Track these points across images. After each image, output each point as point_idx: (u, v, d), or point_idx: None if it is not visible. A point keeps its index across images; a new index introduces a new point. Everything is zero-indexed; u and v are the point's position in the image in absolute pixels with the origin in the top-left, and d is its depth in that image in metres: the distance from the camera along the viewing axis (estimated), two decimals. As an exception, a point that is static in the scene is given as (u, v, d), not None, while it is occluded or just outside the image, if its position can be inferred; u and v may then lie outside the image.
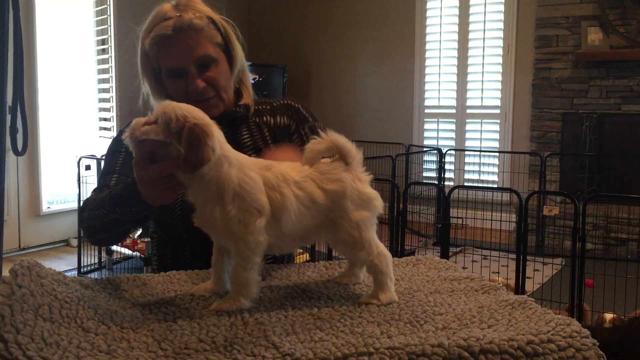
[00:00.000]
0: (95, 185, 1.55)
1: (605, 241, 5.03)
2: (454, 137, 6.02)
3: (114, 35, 5.38)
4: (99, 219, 1.32)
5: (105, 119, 5.55)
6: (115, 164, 1.49)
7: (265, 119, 1.60)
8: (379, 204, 1.16)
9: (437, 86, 6.08)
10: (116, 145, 1.54)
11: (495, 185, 5.74)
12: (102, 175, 1.51)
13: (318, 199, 1.10)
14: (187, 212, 1.14)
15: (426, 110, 6.14)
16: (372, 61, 6.39)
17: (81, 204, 1.46)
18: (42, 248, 5.09)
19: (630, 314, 2.92)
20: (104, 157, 1.59)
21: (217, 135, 1.06)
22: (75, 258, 4.59)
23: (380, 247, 1.14)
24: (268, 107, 1.63)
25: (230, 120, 1.54)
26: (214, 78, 1.46)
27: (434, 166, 5.91)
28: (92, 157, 4.54)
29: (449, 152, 5.78)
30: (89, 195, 1.44)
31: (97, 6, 5.40)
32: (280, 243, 1.13)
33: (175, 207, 1.47)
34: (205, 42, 1.44)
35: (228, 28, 1.50)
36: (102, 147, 5.30)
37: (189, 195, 1.09)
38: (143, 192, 1.14)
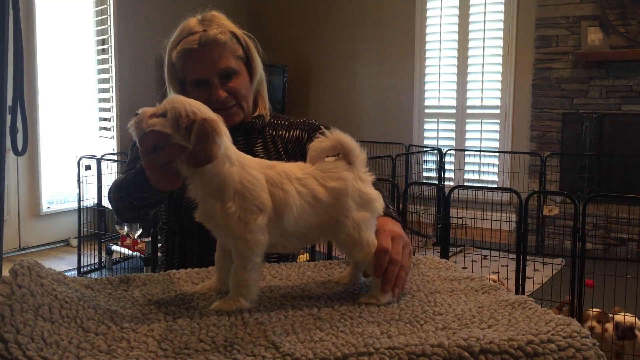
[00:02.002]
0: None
1: (605, 241, 5.04)
2: (454, 137, 6.02)
3: (114, 35, 5.38)
4: (120, 202, 1.41)
5: (105, 119, 5.55)
6: None
7: (280, 132, 1.70)
8: (379, 206, 1.15)
9: (437, 86, 6.08)
10: None
11: (495, 185, 5.75)
12: (130, 162, 1.60)
13: (320, 196, 1.10)
14: None
15: (426, 110, 6.14)
16: (372, 61, 6.39)
17: (109, 186, 1.59)
18: (42, 248, 5.09)
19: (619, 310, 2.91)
20: (130, 147, 1.69)
21: (224, 134, 1.07)
22: (75, 258, 4.59)
23: (380, 247, 1.14)
24: (286, 122, 1.72)
25: (247, 131, 1.64)
26: (235, 88, 1.56)
27: (434, 166, 5.91)
28: (92, 157, 4.53)
29: (449, 152, 5.78)
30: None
31: (97, 6, 5.40)
32: (284, 241, 1.13)
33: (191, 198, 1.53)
34: (228, 55, 1.55)
35: (249, 42, 1.62)
36: (102, 147, 5.30)
37: (190, 191, 1.11)
38: (151, 178, 1.19)
